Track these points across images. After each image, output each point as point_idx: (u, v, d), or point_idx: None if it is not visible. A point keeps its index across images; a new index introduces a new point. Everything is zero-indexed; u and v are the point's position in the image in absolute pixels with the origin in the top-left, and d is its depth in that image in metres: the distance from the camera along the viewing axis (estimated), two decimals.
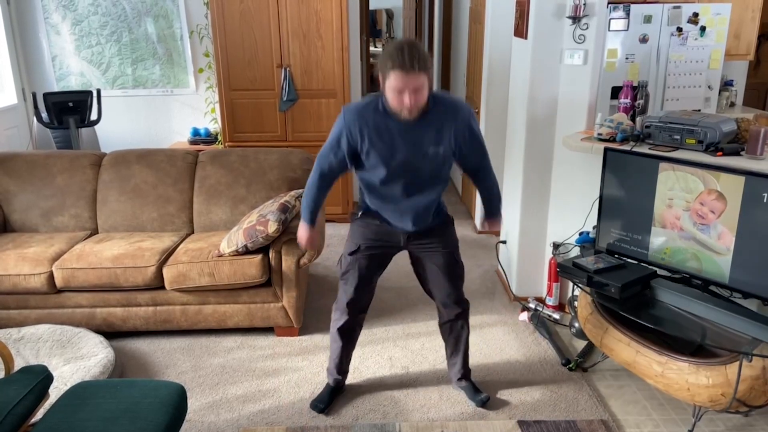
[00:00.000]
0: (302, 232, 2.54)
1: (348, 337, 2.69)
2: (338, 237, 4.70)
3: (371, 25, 11.81)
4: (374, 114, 2.25)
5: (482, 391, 2.77)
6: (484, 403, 2.71)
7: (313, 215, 2.51)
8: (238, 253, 3.09)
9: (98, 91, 4.74)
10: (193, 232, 3.62)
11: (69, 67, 5.34)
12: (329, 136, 2.35)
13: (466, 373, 2.79)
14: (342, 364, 2.75)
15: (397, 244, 2.52)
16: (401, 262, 2.92)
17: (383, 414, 2.68)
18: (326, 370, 2.84)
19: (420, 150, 2.28)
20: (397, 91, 2.09)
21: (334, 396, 2.77)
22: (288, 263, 3.13)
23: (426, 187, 2.38)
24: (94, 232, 3.63)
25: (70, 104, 4.50)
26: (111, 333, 3.27)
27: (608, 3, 3.51)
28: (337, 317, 2.65)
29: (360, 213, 2.53)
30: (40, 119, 4.55)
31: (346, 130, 2.27)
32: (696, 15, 3.78)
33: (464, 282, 2.64)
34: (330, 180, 2.45)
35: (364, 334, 3.31)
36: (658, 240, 2.65)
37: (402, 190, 2.36)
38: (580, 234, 3.17)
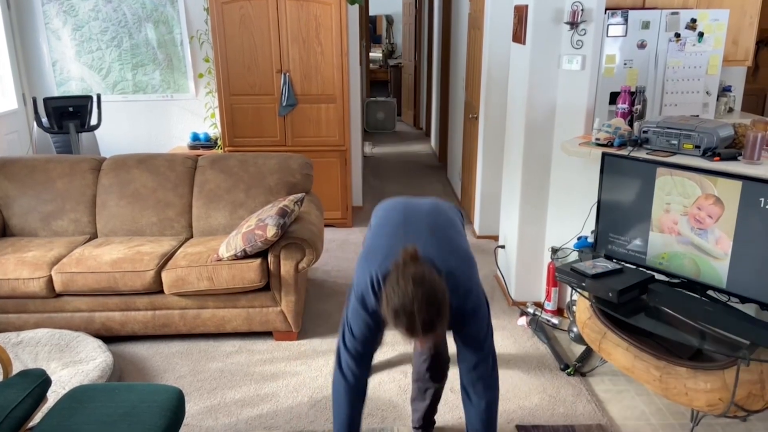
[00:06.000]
0: None
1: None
2: (337, 242, 4.70)
3: (371, 30, 11.85)
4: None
5: None
6: None
7: None
8: (236, 258, 3.10)
9: (98, 96, 4.75)
10: (192, 237, 3.63)
11: (69, 72, 5.36)
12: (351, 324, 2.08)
13: (426, 425, 2.53)
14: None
15: None
16: None
17: (381, 419, 2.68)
18: None
19: None
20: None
21: None
22: (287, 267, 3.14)
23: None
24: (94, 236, 3.64)
25: (71, 109, 4.51)
26: (109, 337, 3.28)
27: (606, 9, 3.53)
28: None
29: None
30: (40, 124, 4.56)
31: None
32: (694, 21, 3.79)
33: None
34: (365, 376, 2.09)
35: None
36: (655, 245, 2.65)
37: None
38: (579, 239, 3.17)
